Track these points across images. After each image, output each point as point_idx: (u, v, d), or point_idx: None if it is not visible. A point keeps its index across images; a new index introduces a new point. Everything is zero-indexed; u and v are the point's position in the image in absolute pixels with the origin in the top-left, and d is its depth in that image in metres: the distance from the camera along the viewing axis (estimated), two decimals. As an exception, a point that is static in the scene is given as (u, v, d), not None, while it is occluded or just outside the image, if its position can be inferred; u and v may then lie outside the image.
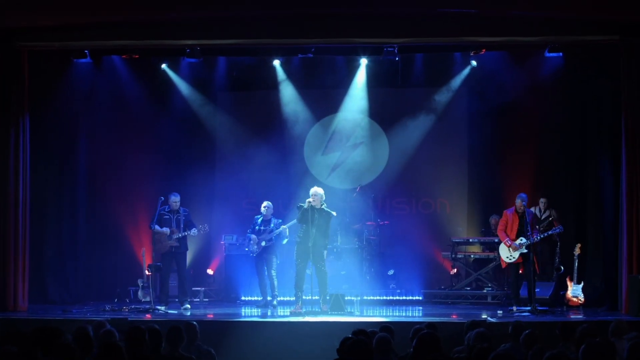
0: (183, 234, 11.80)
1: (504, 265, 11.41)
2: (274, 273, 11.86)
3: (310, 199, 10.87)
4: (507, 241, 11.15)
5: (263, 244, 11.87)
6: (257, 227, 12.04)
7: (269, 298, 11.94)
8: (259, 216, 12.14)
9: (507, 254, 11.17)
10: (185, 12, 11.12)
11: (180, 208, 11.97)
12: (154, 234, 11.87)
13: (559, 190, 13.04)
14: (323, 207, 10.92)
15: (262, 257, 11.94)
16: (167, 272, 11.96)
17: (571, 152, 12.98)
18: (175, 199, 11.94)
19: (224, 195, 14.25)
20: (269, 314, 11.21)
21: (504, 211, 11.43)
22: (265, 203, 12.14)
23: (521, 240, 11.01)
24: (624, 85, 11.21)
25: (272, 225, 11.95)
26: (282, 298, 12.14)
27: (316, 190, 10.98)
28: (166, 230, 11.74)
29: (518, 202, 11.14)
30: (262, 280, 12.02)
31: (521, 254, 11.04)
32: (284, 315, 10.90)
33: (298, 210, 11.04)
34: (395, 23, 11.23)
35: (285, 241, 12.01)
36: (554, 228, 11.52)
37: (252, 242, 12.00)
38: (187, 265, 13.20)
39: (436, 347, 5.95)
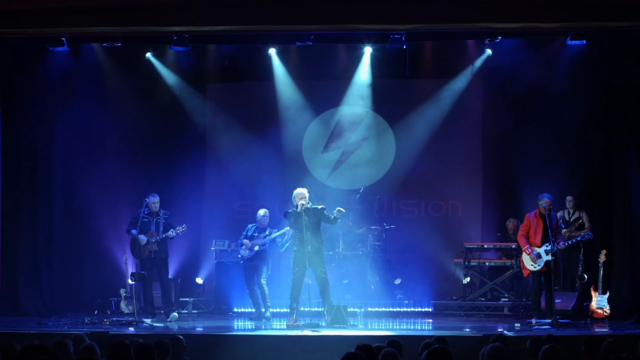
0: (161, 236, 11.82)
1: (526, 274, 11.42)
2: (264, 282, 11.87)
3: (303, 201, 10.88)
4: (527, 249, 11.18)
5: (256, 248, 11.87)
6: (249, 234, 12.07)
7: (262, 310, 11.96)
8: (253, 225, 12.16)
9: (531, 261, 11.20)
10: (172, -5, 11.14)
11: (161, 210, 12.00)
12: (131, 239, 11.89)
13: (583, 191, 13.00)
14: (309, 205, 10.96)
15: (251, 264, 11.93)
16: (149, 282, 11.99)
17: (596, 150, 12.97)
18: (154, 200, 11.96)
19: (214, 196, 14.26)
20: (263, 327, 11.21)
21: (527, 215, 11.44)
22: (262, 211, 12.13)
23: (546, 247, 11.03)
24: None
25: (266, 231, 11.98)
26: (275, 309, 12.15)
27: (303, 191, 11.01)
28: (142, 238, 11.76)
29: (541, 202, 11.15)
30: (253, 290, 12.03)
31: (546, 262, 11.06)
32: (280, 328, 10.89)
33: (287, 217, 11.02)
34: (403, 7, 11.19)
35: (286, 246, 11.99)
36: (582, 234, 11.49)
37: (244, 247, 12.01)
38: (174, 274, 13.26)
39: (447, 363, 5.95)
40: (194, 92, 14.05)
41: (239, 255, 12.15)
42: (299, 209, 10.83)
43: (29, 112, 12.65)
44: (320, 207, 11.06)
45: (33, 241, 12.71)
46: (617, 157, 12.53)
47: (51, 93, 12.88)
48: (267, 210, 12.20)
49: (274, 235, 11.92)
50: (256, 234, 12.03)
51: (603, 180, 12.87)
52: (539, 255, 11.09)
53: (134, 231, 11.83)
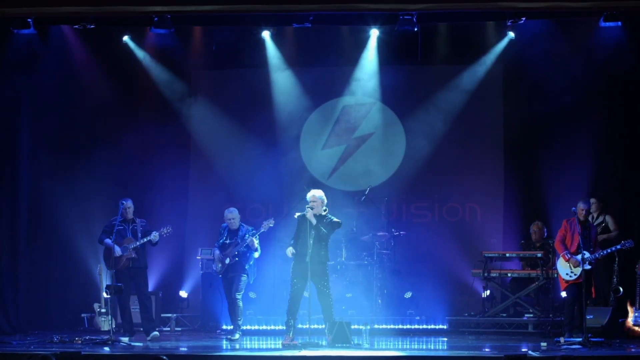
0: (141, 241, 11.81)
1: (563, 286, 11.48)
2: (238, 296, 11.69)
3: (316, 206, 10.83)
4: (565, 254, 11.26)
5: (227, 261, 11.79)
6: (221, 240, 11.94)
7: (229, 327, 11.93)
8: (224, 226, 11.98)
9: (567, 270, 11.28)
10: (153, -29, 11.18)
11: (137, 219, 11.98)
12: (105, 249, 11.87)
13: (616, 193, 13.06)
14: (325, 213, 10.99)
15: (227, 276, 11.86)
16: (126, 295, 11.97)
17: (632, 147, 13.01)
18: (127, 205, 11.90)
19: (200, 199, 14.29)
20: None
21: (564, 220, 11.51)
22: (228, 213, 11.85)
23: (584, 254, 11.12)
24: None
25: (239, 237, 11.80)
26: (269, 327, 12.16)
27: (316, 193, 11.00)
28: (117, 250, 11.71)
29: (579, 207, 11.25)
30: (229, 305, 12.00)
31: (581, 272, 11.13)
32: (275, 348, 10.90)
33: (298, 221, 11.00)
34: (414, -16, 11.26)
35: (256, 255, 11.89)
36: (623, 242, 11.52)
37: (215, 259, 11.95)
38: (155, 287, 13.27)
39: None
40: (177, 81, 14.09)
41: (214, 270, 12.10)
42: (308, 214, 10.75)
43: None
44: (335, 220, 10.98)
45: (-5, 250, 12.74)
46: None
47: (15, 82, 12.85)
48: (235, 210, 11.91)
49: (243, 245, 11.70)
50: (228, 241, 11.91)
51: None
52: (576, 262, 11.14)
53: (107, 240, 11.81)
